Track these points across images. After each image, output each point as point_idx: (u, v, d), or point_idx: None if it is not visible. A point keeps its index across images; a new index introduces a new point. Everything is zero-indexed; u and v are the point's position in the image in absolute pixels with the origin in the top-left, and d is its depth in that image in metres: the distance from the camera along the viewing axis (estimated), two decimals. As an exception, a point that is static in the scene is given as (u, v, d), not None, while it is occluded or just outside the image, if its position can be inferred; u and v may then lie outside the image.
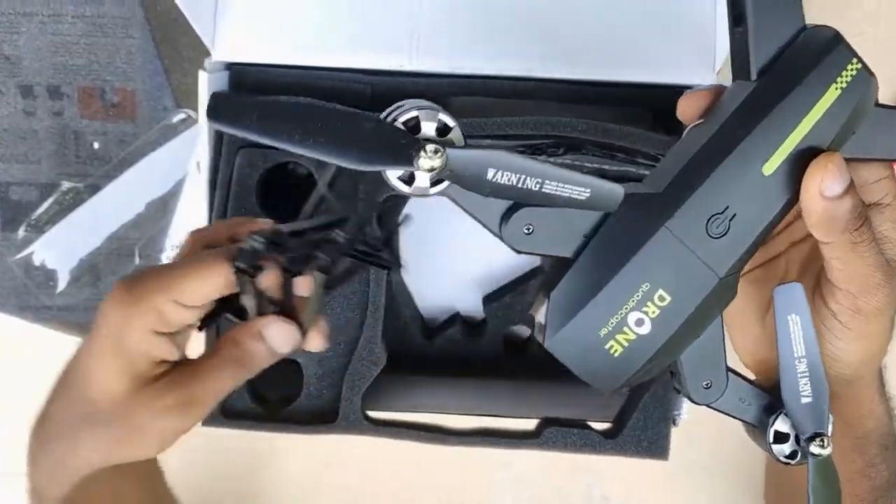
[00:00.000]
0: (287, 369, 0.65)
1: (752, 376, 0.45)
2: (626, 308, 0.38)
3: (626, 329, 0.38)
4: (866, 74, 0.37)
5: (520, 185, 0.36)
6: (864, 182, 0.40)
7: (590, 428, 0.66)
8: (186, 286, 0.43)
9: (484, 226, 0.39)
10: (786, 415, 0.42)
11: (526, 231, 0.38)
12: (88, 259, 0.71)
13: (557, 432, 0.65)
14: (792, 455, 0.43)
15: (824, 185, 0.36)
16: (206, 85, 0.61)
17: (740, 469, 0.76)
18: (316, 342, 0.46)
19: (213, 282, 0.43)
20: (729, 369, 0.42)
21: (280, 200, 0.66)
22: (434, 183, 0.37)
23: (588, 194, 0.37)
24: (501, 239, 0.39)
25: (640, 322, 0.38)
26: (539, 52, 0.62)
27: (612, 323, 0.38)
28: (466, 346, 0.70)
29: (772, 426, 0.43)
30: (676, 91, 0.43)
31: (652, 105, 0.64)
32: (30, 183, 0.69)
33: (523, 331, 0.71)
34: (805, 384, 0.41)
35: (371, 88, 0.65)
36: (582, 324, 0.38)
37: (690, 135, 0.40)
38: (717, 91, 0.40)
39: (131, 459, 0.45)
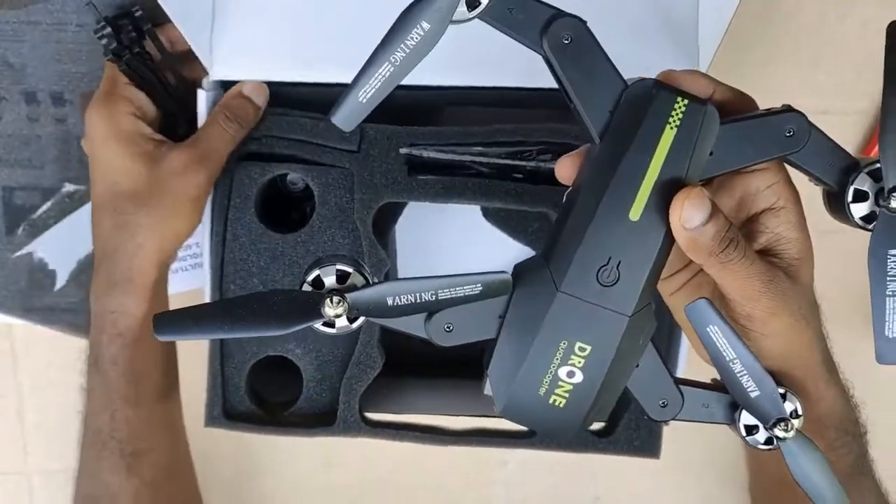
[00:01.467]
0: (287, 373, 0.67)
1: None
2: (554, 366, 0.42)
3: (560, 383, 0.42)
4: (696, 105, 0.40)
5: (419, 301, 0.40)
6: (757, 190, 0.44)
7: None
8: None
9: (412, 335, 0.43)
10: None
11: (447, 329, 0.43)
12: (87, 259, 0.73)
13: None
14: (768, 441, 0.46)
15: (684, 218, 0.39)
16: (205, 103, 0.62)
17: (729, 465, 0.76)
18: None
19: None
20: (682, 382, 0.46)
21: (279, 211, 0.68)
22: (352, 320, 0.42)
23: (480, 288, 0.40)
24: (431, 340, 0.43)
25: (570, 374, 0.42)
26: (525, 62, 0.60)
27: (546, 381, 0.42)
28: (463, 347, 0.71)
29: (739, 422, 0.46)
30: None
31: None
32: (33, 187, 0.71)
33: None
34: (748, 381, 0.43)
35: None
36: (520, 389, 0.42)
37: (566, 200, 0.43)
38: (585, 153, 0.43)
39: (179, 230, 0.59)
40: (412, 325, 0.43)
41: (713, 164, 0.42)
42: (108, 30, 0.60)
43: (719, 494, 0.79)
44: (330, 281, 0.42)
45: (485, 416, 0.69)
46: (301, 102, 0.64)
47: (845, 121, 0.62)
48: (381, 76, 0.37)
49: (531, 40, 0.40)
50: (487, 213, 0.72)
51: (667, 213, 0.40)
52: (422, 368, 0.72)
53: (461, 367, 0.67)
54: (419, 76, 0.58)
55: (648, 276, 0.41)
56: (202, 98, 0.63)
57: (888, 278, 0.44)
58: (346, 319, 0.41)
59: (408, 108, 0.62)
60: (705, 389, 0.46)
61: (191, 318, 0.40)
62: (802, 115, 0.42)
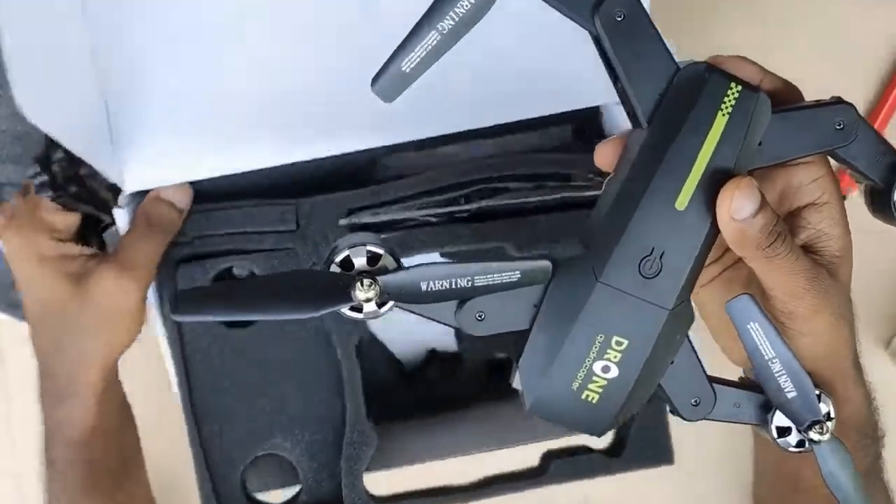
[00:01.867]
0: (281, 471, 0.66)
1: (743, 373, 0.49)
2: (589, 360, 0.40)
3: (595, 378, 0.40)
4: (749, 92, 0.39)
5: (454, 287, 0.39)
6: (801, 184, 0.43)
7: (592, 451, 0.66)
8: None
9: (443, 324, 0.41)
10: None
11: (478, 318, 0.41)
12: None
13: (563, 463, 0.65)
14: (799, 444, 0.45)
15: (734, 209, 0.38)
16: (123, 221, 0.61)
17: (722, 468, 0.77)
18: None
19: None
20: (716, 380, 0.44)
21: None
22: (380, 305, 0.40)
23: (519, 276, 0.39)
24: (460, 329, 0.41)
25: (606, 369, 0.40)
26: (456, 106, 0.62)
27: (580, 376, 0.40)
28: (447, 384, 0.71)
29: (772, 423, 0.45)
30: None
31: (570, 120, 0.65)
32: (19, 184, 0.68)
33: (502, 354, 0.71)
34: (785, 381, 0.43)
35: (292, 178, 0.63)
36: (552, 384, 0.41)
37: (606, 188, 0.42)
38: (626, 138, 0.42)
39: (117, 343, 0.58)
40: (442, 314, 0.41)
41: (762, 155, 0.41)
42: (44, 177, 0.61)
43: (709, 492, 0.79)
44: (360, 262, 0.39)
45: (491, 450, 0.68)
46: (228, 193, 0.62)
47: None
48: (426, 45, 0.35)
49: (582, 17, 0.38)
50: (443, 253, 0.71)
51: (714, 203, 0.39)
52: (410, 412, 0.70)
53: (451, 404, 0.70)
54: (347, 143, 0.61)
55: (692, 268, 0.40)
56: (120, 216, 0.60)
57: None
58: (374, 304, 0.39)
59: (341, 170, 0.63)
60: (738, 388, 0.45)
61: (214, 298, 0.39)
62: (853, 106, 0.41)
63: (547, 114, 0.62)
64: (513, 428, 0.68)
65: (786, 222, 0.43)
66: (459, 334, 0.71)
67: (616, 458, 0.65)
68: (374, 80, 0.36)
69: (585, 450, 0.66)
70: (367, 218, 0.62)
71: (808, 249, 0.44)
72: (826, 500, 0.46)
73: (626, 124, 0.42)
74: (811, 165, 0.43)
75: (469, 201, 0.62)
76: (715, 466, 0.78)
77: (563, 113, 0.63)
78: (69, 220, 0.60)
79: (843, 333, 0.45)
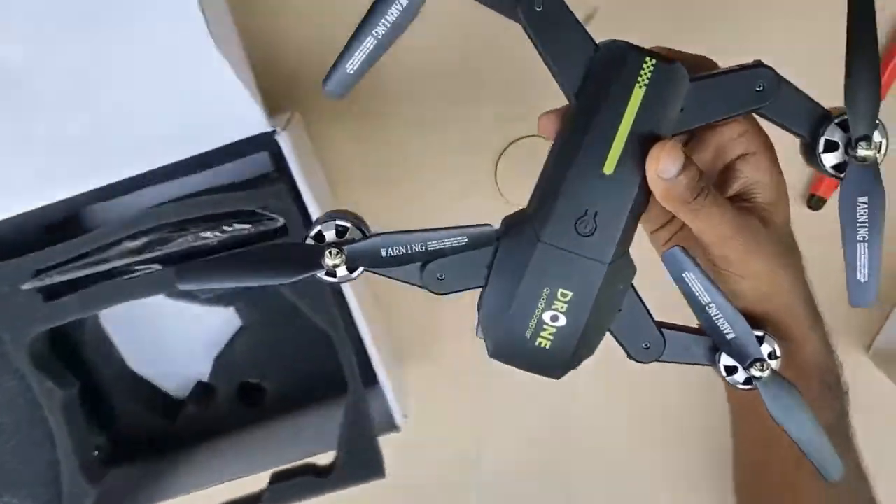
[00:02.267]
0: None
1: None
2: (538, 311, 0.45)
3: (545, 326, 0.46)
4: (664, 65, 0.43)
5: (410, 252, 0.45)
6: (729, 139, 0.47)
7: (309, 472, 0.68)
8: None
9: (410, 283, 0.47)
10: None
11: (439, 278, 0.47)
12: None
13: (278, 488, 0.67)
14: (746, 381, 0.48)
15: (660, 169, 0.42)
16: None
17: (705, 475, 0.79)
18: None
19: None
20: (665, 326, 0.49)
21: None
22: (351, 270, 0.46)
23: (466, 240, 0.45)
24: (427, 289, 0.47)
25: (555, 318, 0.45)
26: (121, 150, 0.61)
27: (532, 325, 0.46)
28: (205, 415, 0.73)
29: (720, 363, 0.49)
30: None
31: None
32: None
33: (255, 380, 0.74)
34: (723, 323, 0.46)
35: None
36: (508, 333, 0.46)
37: (548, 157, 0.47)
38: (564, 110, 0.46)
39: None
40: (409, 275, 0.46)
41: (684, 120, 0.45)
42: None
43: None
44: (330, 235, 0.46)
45: (244, 476, 0.69)
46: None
47: None
48: (365, 49, 0.41)
49: (508, 10, 0.44)
50: (172, 294, 0.71)
51: (639, 166, 0.43)
52: (180, 446, 0.73)
53: (214, 432, 0.73)
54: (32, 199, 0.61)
55: (624, 226, 0.44)
56: None
57: (858, 224, 0.45)
58: (345, 269, 0.45)
59: (34, 228, 0.63)
60: (686, 332, 0.49)
61: (209, 269, 0.45)
62: (771, 69, 0.45)
63: (217, 146, 0.61)
64: (266, 453, 0.69)
65: (722, 175, 0.48)
66: (215, 365, 0.74)
67: (329, 478, 0.66)
68: (325, 81, 0.42)
69: (304, 471, 0.67)
70: (57, 277, 0.63)
71: (742, 198, 0.47)
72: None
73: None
74: (737, 122, 0.47)
75: (152, 247, 0.63)
76: (706, 473, 0.80)
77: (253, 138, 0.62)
78: None
79: (781, 275, 0.48)
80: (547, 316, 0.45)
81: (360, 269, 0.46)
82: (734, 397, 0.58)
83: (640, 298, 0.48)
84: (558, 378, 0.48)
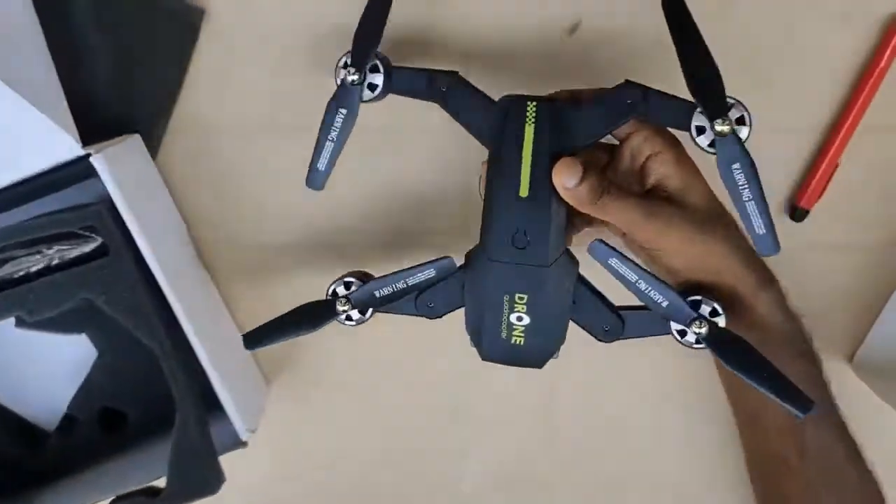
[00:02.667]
0: None
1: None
2: (505, 314, 0.55)
3: (514, 326, 0.56)
4: (544, 104, 0.53)
5: (396, 290, 0.58)
6: (638, 145, 0.55)
7: (146, 494, 0.66)
8: None
9: (409, 314, 0.59)
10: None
11: (430, 306, 0.59)
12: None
13: None
14: (697, 341, 0.54)
15: (563, 182, 0.51)
16: None
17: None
18: None
19: None
20: (623, 308, 0.57)
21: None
22: (363, 312, 0.60)
23: (434, 271, 0.57)
24: (423, 316, 0.59)
25: (520, 318, 0.55)
26: None
27: (504, 328, 0.56)
28: (72, 443, 0.73)
29: (672, 331, 0.55)
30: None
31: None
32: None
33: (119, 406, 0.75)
34: (655, 294, 0.54)
35: None
36: (488, 337, 0.57)
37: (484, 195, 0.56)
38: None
39: None
40: (407, 308, 0.59)
41: (575, 140, 0.54)
42: None
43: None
44: (341, 290, 0.59)
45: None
46: None
47: (793, 136, 0.65)
48: (327, 150, 0.57)
49: (424, 96, 0.57)
50: (21, 324, 0.69)
51: (548, 184, 0.52)
52: (45, 476, 0.72)
53: (77, 461, 0.72)
54: None
55: (552, 233, 0.53)
56: None
57: (740, 188, 0.51)
58: (358, 313, 0.59)
59: None
60: (641, 310, 0.56)
61: (268, 330, 0.58)
62: (636, 85, 0.53)
63: (30, 174, 0.62)
64: (125, 480, 0.68)
65: (640, 175, 0.55)
66: (77, 393, 0.75)
67: (159, 499, 0.65)
68: (306, 179, 0.57)
69: (143, 493, 0.66)
70: None
71: (658, 189, 0.54)
72: (813, 475, 0.56)
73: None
74: (637, 132, 0.55)
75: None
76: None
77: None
78: None
79: (706, 241, 0.53)
80: (513, 317, 0.55)
81: (370, 310, 0.59)
82: (739, 410, 0.61)
83: (593, 289, 0.57)
84: (540, 367, 0.58)
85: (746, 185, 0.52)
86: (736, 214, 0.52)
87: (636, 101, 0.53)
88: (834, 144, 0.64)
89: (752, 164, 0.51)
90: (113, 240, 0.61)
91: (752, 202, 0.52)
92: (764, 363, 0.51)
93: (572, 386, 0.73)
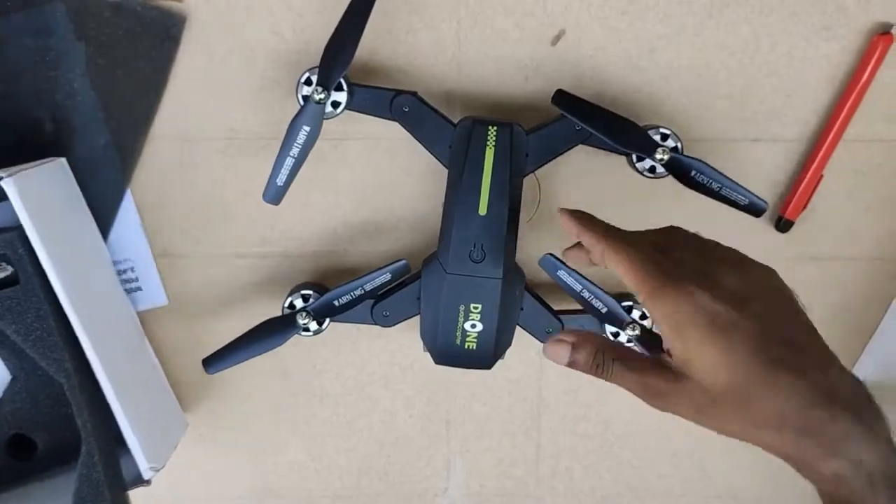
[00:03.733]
0: None
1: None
2: (459, 323, 0.59)
3: (468, 333, 0.60)
4: (503, 129, 0.57)
5: (355, 296, 0.61)
6: (594, 252, 0.50)
7: None
8: None
9: (364, 323, 0.63)
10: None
11: (385, 315, 0.62)
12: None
13: None
14: (628, 341, 0.61)
15: (556, 360, 0.48)
16: None
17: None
18: None
19: None
20: (562, 312, 0.63)
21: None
22: (320, 323, 0.62)
23: (389, 275, 0.60)
24: (378, 324, 0.63)
25: (473, 326, 0.60)
26: None
27: (458, 335, 0.60)
28: None
29: (606, 332, 0.62)
30: None
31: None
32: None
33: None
34: (596, 302, 0.59)
35: None
36: (442, 343, 0.60)
37: (443, 210, 0.60)
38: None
39: None
40: (362, 318, 0.62)
41: (531, 162, 0.59)
42: None
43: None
44: (299, 303, 0.62)
45: None
46: None
47: (776, 148, 0.64)
48: (287, 166, 0.58)
49: (385, 115, 0.59)
50: None
51: (505, 203, 0.56)
52: None
53: None
54: None
55: (506, 247, 0.57)
56: None
57: (708, 185, 0.58)
58: (316, 324, 0.61)
59: None
60: (579, 314, 0.62)
61: (228, 352, 0.62)
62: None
63: None
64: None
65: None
66: None
67: None
68: (264, 194, 0.59)
69: None
70: None
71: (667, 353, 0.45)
72: None
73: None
74: (594, 242, 0.49)
75: None
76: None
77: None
78: None
79: (718, 425, 0.43)
80: (467, 325, 0.59)
81: (327, 320, 0.62)
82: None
83: (536, 296, 0.62)
84: (489, 369, 0.62)
85: (711, 180, 0.58)
86: (718, 206, 0.58)
87: (583, 128, 0.58)
88: (818, 156, 0.64)
89: (703, 162, 0.58)
90: (24, 269, 0.58)
91: (725, 188, 0.59)
92: None
93: (561, 399, 0.74)
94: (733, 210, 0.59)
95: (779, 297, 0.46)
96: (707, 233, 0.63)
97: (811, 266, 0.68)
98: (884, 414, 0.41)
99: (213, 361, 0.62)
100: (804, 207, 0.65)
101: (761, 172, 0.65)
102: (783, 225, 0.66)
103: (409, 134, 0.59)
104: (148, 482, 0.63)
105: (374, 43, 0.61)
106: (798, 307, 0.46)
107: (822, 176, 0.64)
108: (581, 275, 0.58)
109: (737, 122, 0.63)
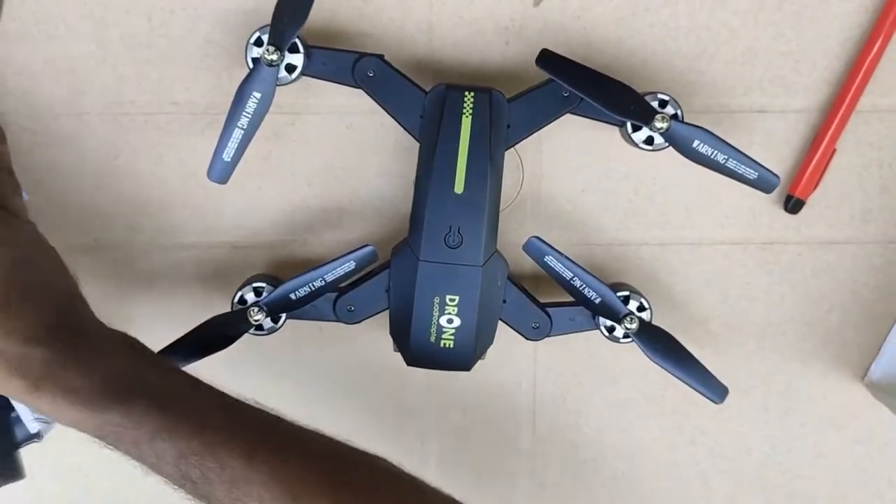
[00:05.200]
0: None
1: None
2: (434, 317, 0.54)
3: (444, 329, 0.54)
4: (481, 95, 0.52)
5: (315, 288, 0.54)
6: None
7: None
8: None
9: (326, 320, 0.57)
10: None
11: (349, 310, 0.56)
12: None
13: None
14: (625, 336, 0.57)
15: None
16: None
17: None
18: None
19: None
20: (549, 305, 0.57)
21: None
22: (275, 320, 0.56)
23: (354, 264, 0.54)
24: (342, 321, 0.56)
25: (450, 321, 0.54)
26: None
27: (433, 331, 0.54)
28: None
29: (601, 326, 0.57)
30: None
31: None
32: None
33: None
34: (589, 292, 0.55)
35: None
36: (415, 341, 0.55)
37: (414, 189, 0.55)
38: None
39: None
40: (323, 314, 0.56)
41: (513, 134, 0.54)
42: None
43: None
44: (251, 297, 0.56)
45: None
46: None
47: (785, 119, 0.61)
48: (235, 139, 0.51)
49: (347, 81, 0.53)
50: None
51: (485, 180, 0.51)
52: None
53: None
54: None
55: (486, 232, 0.52)
56: None
57: (712, 156, 0.54)
58: (270, 321, 0.55)
59: None
60: (568, 307, 0.57)
61: (166, 355, 0.54)
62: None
63: None
64: None
65: None
66: None
67: None
68: (209, 171, 0.52)
69: None
70: None
71: None
72: None
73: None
74: None
75: None
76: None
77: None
78: None
79: None
80: (443, 320, 0.54)
81: (283, 316, 0.56)
82: None
83: (520, 287, 0.56)
84: (468, 370, 0.57)
85: (716, 151, 0.54)
86: (721, 183, 0.54)
87: (573, 94, 0.53)
88: (830, 128, 0.59)
89: (706, 131, 0.54)
90: None
91: (731, 159, 0.54)
92: (685, 355, 0.56)
93: (548, 406, 0.68)
94: (738, 187, 0.55)
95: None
96: (708, 213, 0.60)
97: (823, 251, 0.63)
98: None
99: (172, 356, 0.55)
100: (816, 186, 0.60)
101: (767, 147, 0.61)
102: (793, 205, 0.61)
103: (374, 105, 0.54)
104: (39, 436, 0.57)
105: (333, 3, 0.56)
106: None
107: (834, 150, 0.59)
108: (572, 261, 0.53)
109: (740, 90, 0.59)
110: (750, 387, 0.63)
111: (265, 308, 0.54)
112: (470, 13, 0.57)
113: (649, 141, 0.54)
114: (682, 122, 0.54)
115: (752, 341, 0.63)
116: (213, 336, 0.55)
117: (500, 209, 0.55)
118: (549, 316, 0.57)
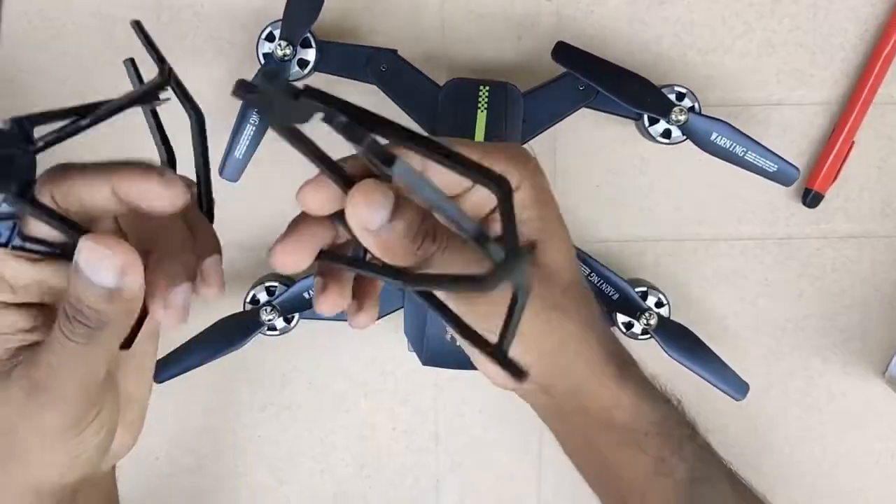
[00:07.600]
0: None
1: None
2: None
3: None
4: (497, 88, 0.51)
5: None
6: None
7: None
8: None
9: (339, 319, 0.54)
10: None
11: None
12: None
13: None
14: (644, 332, 0.57)
15: (364, 221, 0.33)
16: None
17: None
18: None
19: None
20: None
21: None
22: (288, 320, 0.56)
23: None
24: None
25: None
26: None
27: (447, 330, 0.53)
28: None
29: (617, 322, 0.57)
30: None
31: None
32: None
33: None
34: (605, 286, 0.56)
35: None
36: (431, 340, 0.54)
37: None
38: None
39: (25, 477, 0.37)
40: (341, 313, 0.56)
41: (529, 129, 0.53)
42: None
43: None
44: (263, 297, 0.56)
45: None
46: None
47: (802, 112, 0.60)
48: (247, 135, 0.52)
49: (360, 76, 0.53)
50: None
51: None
52: None
53: None
54: None
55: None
56: None
57: (730, 149, 0.54)
58: (283, 321, 0.55)
59: None
60: None
61: (176, 356, 0.55)
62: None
63: None
64: None
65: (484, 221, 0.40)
66: None
67: None
68: (220, 169, 0.53)
69: None
70: None
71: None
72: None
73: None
74: (496, 161, 0.37)
75: None
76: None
77: None
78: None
79: (559, 330, 0.41)
80: None
81: (296, 316, 0.56)
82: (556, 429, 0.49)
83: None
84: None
85: (735, 143, 0.54)
86: (739, 176, 0.55)
87: (589, 87, 0.54)
88: (849, 121, 0.59)
89: (725, 123, 0.54)
90: None
91: (750, 152, 0.54)
92: (705, 351, 0.56)
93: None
94: (755, 182, 0.55)
95: None
96: (725, 208, 0.61)
97: (843, 245, 0.63)
98: None
99: (161, 368, 0.55)
100: (834, 179, 0.60)
101: (784, 140, 0.61)
102: (811, 199, 0.61)
103: (386, 100, 0.54)
104: None
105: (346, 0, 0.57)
106: None
107: (853, 143, 0.60)
108: (590, 256, 0.53)
109: (756, 83, 0.60)
110: (769, 384, 0.63)
111: (278, 308, 0.55)
112: (482, 8, 0.57)
113: (666, 134, 0.55)
114: (701, 114, 0.54)
115: (770, 338, 0.63)
116: (223, 338, 0.55)
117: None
118: None
